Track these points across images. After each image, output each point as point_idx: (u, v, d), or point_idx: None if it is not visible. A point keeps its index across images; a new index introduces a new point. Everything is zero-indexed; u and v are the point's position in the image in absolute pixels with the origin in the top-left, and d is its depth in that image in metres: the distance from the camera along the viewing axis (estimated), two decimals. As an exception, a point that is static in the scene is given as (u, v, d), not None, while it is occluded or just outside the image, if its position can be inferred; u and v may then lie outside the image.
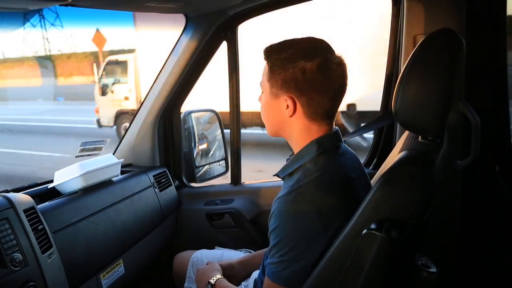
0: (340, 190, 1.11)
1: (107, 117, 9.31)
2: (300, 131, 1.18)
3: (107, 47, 12.87)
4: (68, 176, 1.61)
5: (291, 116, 1.16)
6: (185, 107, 2.26)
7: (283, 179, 1.23)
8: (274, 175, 1.28)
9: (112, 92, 9.24)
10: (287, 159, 1.28)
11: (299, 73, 1.11)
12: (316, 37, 1.19)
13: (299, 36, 1.20)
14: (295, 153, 1.22)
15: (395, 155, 1.18)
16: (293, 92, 1.14)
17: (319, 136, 1.17)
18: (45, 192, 1.64)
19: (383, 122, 1.91)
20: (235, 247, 1.90)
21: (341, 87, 1.16)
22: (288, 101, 1.14)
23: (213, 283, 1.43)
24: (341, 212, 1.06)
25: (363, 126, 1.73)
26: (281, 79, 1.14)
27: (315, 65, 1.10)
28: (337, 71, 1.13)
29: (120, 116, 9.16)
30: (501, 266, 1.65)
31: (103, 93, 9.27)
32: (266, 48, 1.19)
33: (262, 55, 1.20)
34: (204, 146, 2.40)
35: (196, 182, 2.32)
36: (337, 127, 1.23)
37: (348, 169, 1.18)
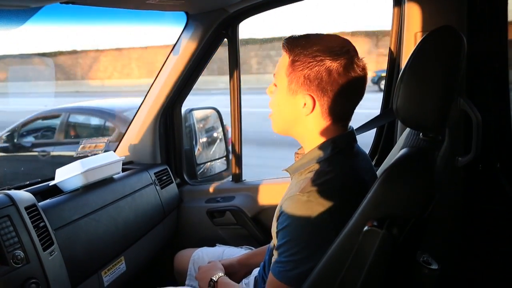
0: (353, 193, 1.07)
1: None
2: (314, 131, 1.14)
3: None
4: (69, 174, 1.61)
5: (307, 115, 1.12)
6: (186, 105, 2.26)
7: (292, 176, 1.21)
8: (283, 170, 1.24)
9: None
10: (296, 153, 1.26)
11: (325, 72, 1.06)
12: (341, 36, 1.13)
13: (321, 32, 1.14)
14: (306, 151, 1.18)
15: (396, 152, 1.17)
16: (315, 92, 1.09)
17: (334, 135, 1.14)
18: (46, 190, 1.64)
19: (384, 120, 1.91)
20: (236, 244, 1.91)
21: (362, 91, 1.13)
22: (307, 99, 1.10)
23: (215, 280, 1.43)
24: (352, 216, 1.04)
25: (364, 124, 1.73)
26: (304, 76, 1.09)
27: (342, 65, 1.06)
28: (361, 74, 1.10)
29: None
30: (502, 263, 1.65)
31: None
32: (289, 39, 1.13)
33: (282, 46, 1.14)
34: (205, 143, 2.41)
35: (197, 179, 2.33)
36: (352, 127, 1.20)
37: (362, 171, 1.16)
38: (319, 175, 1.09)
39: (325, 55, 1.06)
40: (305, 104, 1.11)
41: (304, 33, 1.14)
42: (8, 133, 5.11)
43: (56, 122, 5.04)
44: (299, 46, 1.10)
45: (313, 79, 1.08)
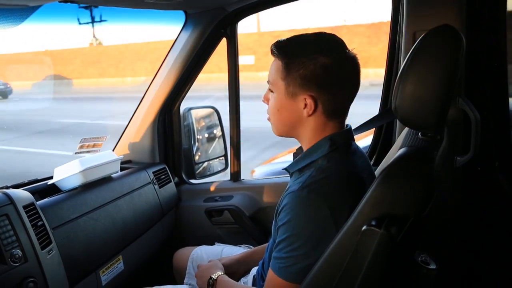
0: (352, 190, 1.08)
1: None
2: (315, 129, 1.15)
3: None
4: (67, 173, 1.61)
5: (309, 115, 1.12)
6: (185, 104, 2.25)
7: (291, 174, 1.21)
8: (283, 169, 1.26)
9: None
10: (294, 153, 1.27)
11: (320, 69, 1.07)
12: (327, 32, 1.15)
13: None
14: (304, 149, 1.19)
15: (395, 152, 1.18)
16: (314, 91, 1.09)
17: (332, 133, 1.15)
18: (44, 189, 1.64)
19: (382, 121, 1.90)
20: (235, 243, 1.91)
21: (357, 83, 1.14)
22: (308, 100, 1.10)
23: (215, 278, 1.43)
24: (351, 212, 1.03)
25: (363, 124, 1.73)
26: (300, 77, 1.09)
27: (335, 60, 1.08)
28: (354, 66, 1.11)
29: None
30: (501, 263, 1.65)
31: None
32: (277, 44, 1.14)
33: (271, 52, 1.15)
34: (203, 142, 2.40)
35: (195, 178, 2.32)
36: (349, 124, 1.21)
37: (360, 168, 1.16)
38: (318, 172, 1.10)
39: (317, 52, 1.08)
40: (306, 105, 1.11)
41: (292, 35, 1.15)
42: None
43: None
44: (290, 47, 1.12)
45: (310, 78, 1.08)
